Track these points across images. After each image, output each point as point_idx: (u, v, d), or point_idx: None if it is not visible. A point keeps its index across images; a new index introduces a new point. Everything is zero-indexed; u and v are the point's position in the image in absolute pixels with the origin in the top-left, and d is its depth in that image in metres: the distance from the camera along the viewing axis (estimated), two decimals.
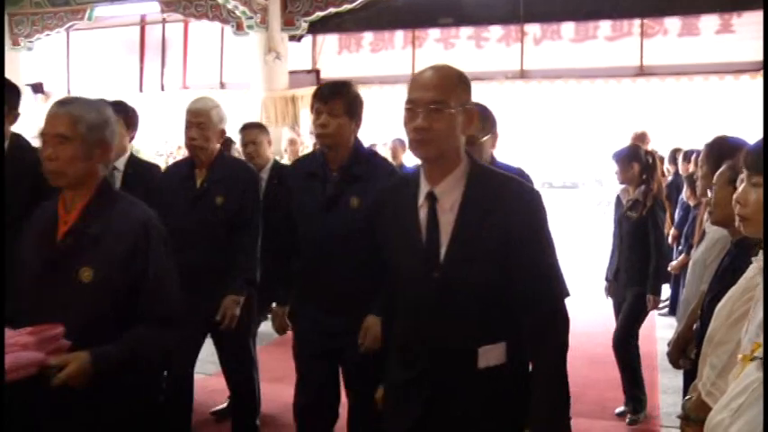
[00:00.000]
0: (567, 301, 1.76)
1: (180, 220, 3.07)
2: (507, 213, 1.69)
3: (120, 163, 3.54)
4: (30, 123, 8.60)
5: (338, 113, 2.59)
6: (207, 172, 3.19)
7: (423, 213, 1.75)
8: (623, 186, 4.18)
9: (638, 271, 3.98)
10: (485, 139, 2.60)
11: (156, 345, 1.93)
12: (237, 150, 5.31)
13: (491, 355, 1.72)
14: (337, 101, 2.60)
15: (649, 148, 5.91)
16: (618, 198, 4.28)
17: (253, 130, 4.46)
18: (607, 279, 4.28)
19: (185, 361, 3.18)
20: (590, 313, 5.73)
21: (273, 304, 3.05)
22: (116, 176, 3.51)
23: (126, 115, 3.59)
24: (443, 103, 1.67)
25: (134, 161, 3.62)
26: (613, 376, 4.22)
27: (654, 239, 3.97)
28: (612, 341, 4.06)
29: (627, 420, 4.04)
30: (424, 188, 1.76)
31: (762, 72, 7.99)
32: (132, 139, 3.75)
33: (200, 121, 3.14)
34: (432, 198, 1.74)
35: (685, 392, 2.41)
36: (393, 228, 1.81)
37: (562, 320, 1.74)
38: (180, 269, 3.04)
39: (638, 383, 4.10)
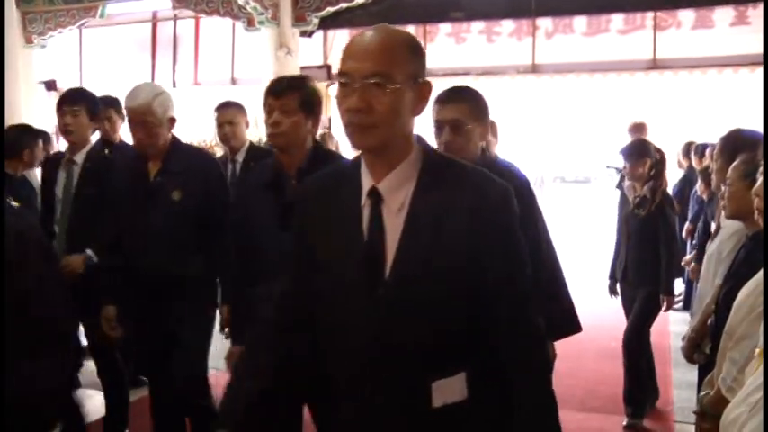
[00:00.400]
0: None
1: (136, 219, 2.82)
2: (471, 215, 1.35)
3: (80, 156, 3.29)
4: (43, 120, 8.69)
5: (292, 110, 2.30)
6: (160, 164, 2.84)
7: (365, 215, 1.40)
8: (628, 183, 4.06)
9: (647, 270, 3.88)
10: (471, 126, 2.30)
11: (49, 374, 1.56)
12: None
13: (448, 389, 1.39)
14: (291, 96, 2.31)
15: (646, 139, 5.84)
16: (623, 195, 4.16)
17: (230, 110, 4.07)
18: (612, 278, 4.17)
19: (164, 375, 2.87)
20: (601, 306, 5.70)
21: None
22: (74, 171, 3.29)
23: (89, 104, 3.31)
24: (386, 77, 1.31)
25: (94, 155, 3.31)
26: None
27: (664, 237, 3.87)
28: (623, 341, 3.98)
29: (624, 423, 3.91)
30: (365, 184, 1.41)
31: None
32: (96, 130, 3.43)
33: (143, 119, 2.76)
34: (375, 196, 1.39)
35: (699, 387, 2.39)
36: (325, 233, 1.44)
37: (540, 340, 1.46)
38: (139, 273, 2.80)
39: (642, 386, 3.99)
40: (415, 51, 1.38)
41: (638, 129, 6.62)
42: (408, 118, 1.38)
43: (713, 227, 5.01)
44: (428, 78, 1.43)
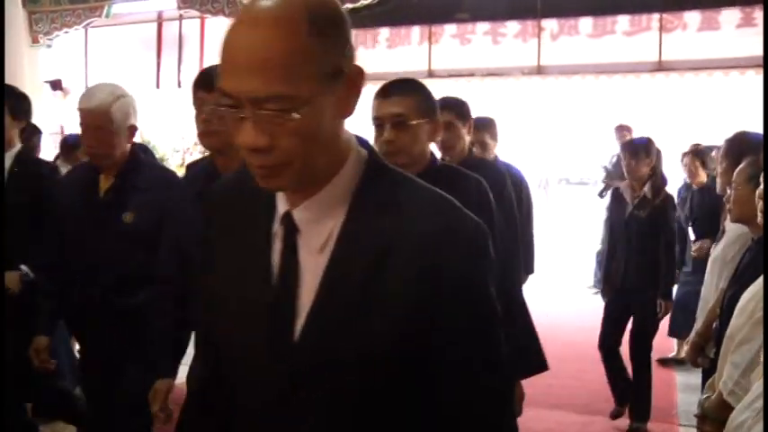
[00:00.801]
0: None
1: (78, 241, 2.42)
2: (423, 261, 0.93)
3: (6, 161, 2.90)
4: (49, 120, 8.73)
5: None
6: (113, 179, 2.42)
7: (276, 248, 1.00)
8: (625, 183, 3.92)
9: (650, 273, 3.77)
10: (416, 122, 1.96)
11: None
12: None
13: None
14: None
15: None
16: (619, 195, 3.99)
17: None
18: (606, 282, 4.06)
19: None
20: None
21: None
22: None
23: (11, 103, 2.97)
24: (288, 100, 0.88)
25: (23, 158, 2.97)
26: (631, 374, 4.17)
27: (665, 240, 3.77)
28: (635, 355, 3.87)
29: (628, 426, 3.89)
30: (280, 204, 1.01)
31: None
32: (23, 131, 3.07)
33: (97, 124, 2.34)
34: (290, 225, 0.99)
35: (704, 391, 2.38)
36: (227, 263, 1.05)
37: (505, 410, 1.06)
38: (81, 310, 2.38)
39: (647, 389, 3.93)
40: (325, 29, 0.90)
41: (626, 130, 6.73)
42: (334, 126, 0.95)
43: (692, 237, 5.00)
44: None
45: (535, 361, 2.30)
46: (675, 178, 5.24)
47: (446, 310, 0.94)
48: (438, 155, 2.33)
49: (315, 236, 0.98)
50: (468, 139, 2.87)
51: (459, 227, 0.96)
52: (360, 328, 0.94)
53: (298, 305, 0.98)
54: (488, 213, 2.04)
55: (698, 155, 5.08)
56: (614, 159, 6.93)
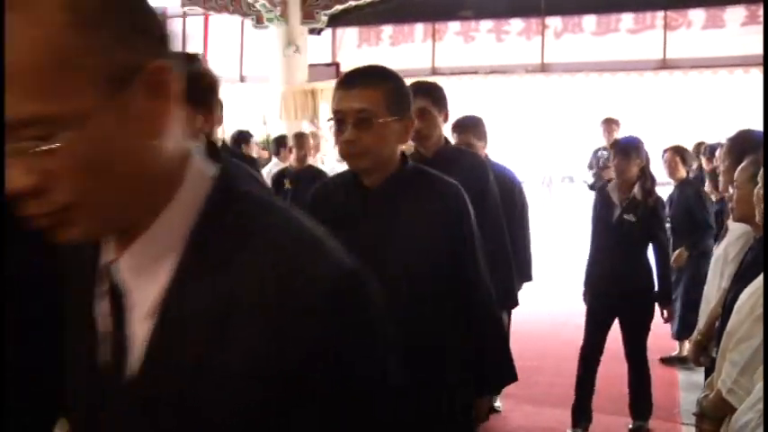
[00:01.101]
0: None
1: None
2: (271, 329, 0.66)
3: None
4: None
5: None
6: None
7: (104, 310, 0.76)
8: (613, 184, 3.78)
9: (642, 277, 3.69)
10: (383, 120, 1.66)
11: None
12: (257, 144, 5.08)
13: None
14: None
15: (616, 136, 5.87)
16: (606, 196, 3.81)
17: None
18: (592, 288, 3.90)
19: None
20: None
21: None
22: None
23: None
24: (49, 123, 0.61)
25: None
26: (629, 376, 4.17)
27: (658, 242, 3.69)
28: (630, 355, 3.83)
29: (630, 426, 3.87)
30: (105, 253, 0.76)
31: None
32: None
33: None
34: (113, 283, 0.73)
35: None
36: (66, 314, 0.85)
37: None
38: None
39: (647, 389, 3.90)
40: (96, 16, 0.63)
41: (614, 124, 6.73)
42: (139, 148, 0.67)
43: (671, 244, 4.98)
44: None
45: (507, 373, 2.14)
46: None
47: (302, 391, 0.67)
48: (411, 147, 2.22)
49: (142, 296, 0.71)
50: (443, 126, 2.71)
51: (318, 282, 0.68)
52: (189, 416, 0.69)
53: (125, 367, 0.74)
54: (468, 225, 1.86)
55: (678, 151, 5.12)
56: (599, 154, 6.90)
